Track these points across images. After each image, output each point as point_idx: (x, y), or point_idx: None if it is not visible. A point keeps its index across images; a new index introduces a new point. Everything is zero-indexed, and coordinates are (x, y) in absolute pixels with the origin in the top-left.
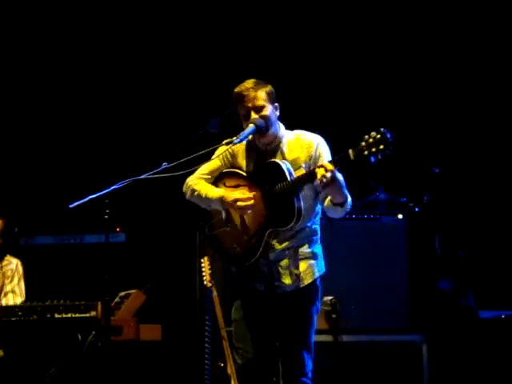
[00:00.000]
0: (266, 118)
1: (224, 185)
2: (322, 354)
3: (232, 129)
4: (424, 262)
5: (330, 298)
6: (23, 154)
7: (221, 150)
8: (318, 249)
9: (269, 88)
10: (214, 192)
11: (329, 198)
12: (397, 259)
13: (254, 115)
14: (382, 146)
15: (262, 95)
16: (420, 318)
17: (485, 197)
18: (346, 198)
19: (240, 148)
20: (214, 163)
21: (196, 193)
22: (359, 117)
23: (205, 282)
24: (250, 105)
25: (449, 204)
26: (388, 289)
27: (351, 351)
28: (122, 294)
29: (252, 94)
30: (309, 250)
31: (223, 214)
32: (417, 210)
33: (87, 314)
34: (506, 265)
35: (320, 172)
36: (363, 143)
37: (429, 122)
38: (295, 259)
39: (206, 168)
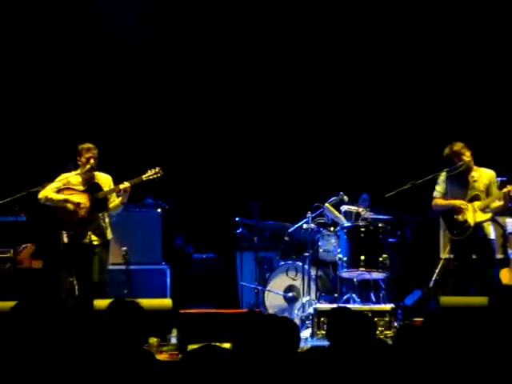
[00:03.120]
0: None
1: (63, 193)
2: None
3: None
4: None
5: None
6: None
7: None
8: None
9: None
10: (60, 196)
11: (119, 200)
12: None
13: (91, 163)
14: (159, 175)
15: (96, 153)
16: None
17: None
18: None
19: (73, 175)
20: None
21: (55, 200)
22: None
23: None
24: (91, 156)
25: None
26: None
27: None
28: None
29: (95, 151)
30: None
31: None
32: (166, 206)
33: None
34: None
35: (123, 187)
36: (151, 172)
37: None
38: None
39: (55, 187)
